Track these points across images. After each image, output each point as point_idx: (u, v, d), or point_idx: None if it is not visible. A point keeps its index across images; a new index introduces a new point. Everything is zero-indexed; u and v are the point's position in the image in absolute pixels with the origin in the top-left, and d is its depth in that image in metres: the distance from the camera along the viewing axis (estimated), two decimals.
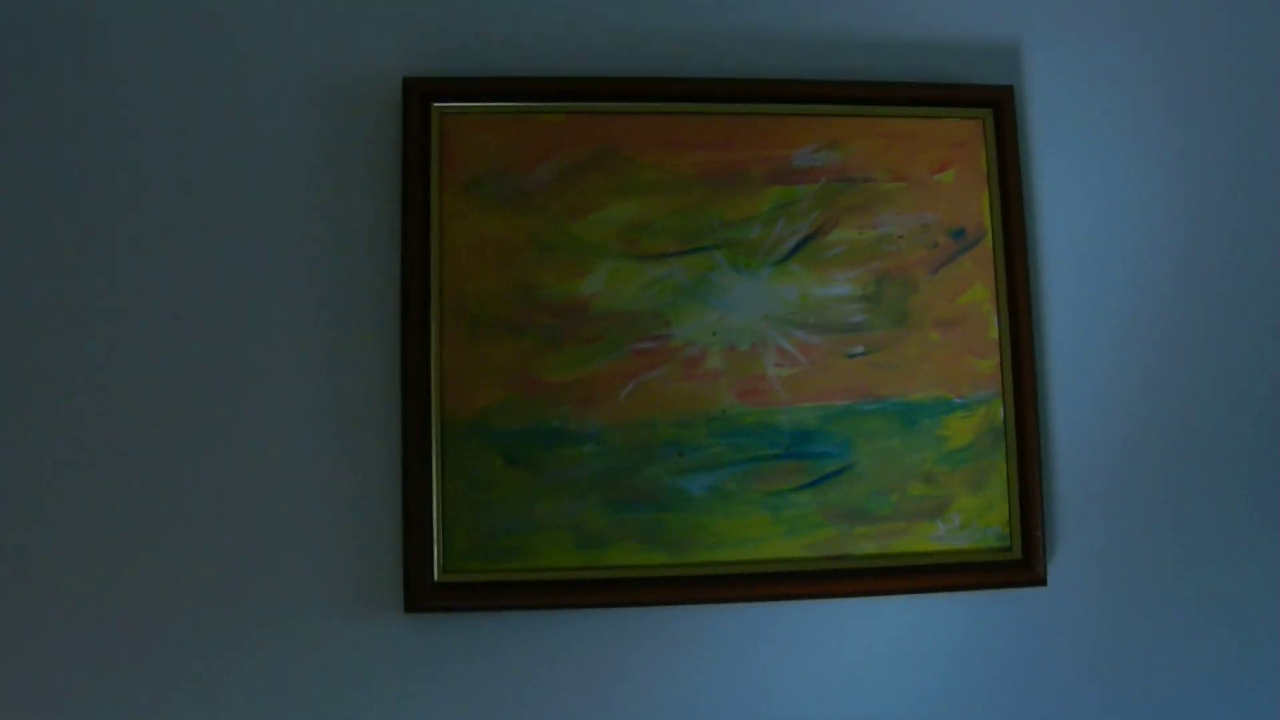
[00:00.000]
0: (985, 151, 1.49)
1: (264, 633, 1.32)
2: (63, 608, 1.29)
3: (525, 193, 1.40)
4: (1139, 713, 1.46)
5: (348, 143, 1.40)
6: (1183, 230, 1.54)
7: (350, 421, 1.36)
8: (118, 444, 1.32)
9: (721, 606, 1.39)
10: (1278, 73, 1.58)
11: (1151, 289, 1.53)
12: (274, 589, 1.33)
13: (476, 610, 1.34)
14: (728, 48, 1.47)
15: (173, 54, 1.39)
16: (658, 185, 1.42)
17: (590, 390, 1.38)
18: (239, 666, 1.31)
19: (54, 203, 1.34)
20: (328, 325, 1.38)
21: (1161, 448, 1.51)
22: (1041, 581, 1.43)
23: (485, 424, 1.36)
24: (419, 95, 1.39)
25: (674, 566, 1.36)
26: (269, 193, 1.38)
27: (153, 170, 1.37)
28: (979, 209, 1.48)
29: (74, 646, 1.29)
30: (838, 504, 1.41)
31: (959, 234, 1.47)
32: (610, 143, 1.42)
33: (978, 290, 1.47)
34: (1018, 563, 1.43)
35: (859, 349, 1.44)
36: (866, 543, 1.41)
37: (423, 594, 1.33)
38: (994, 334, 1.47)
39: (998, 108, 1.49)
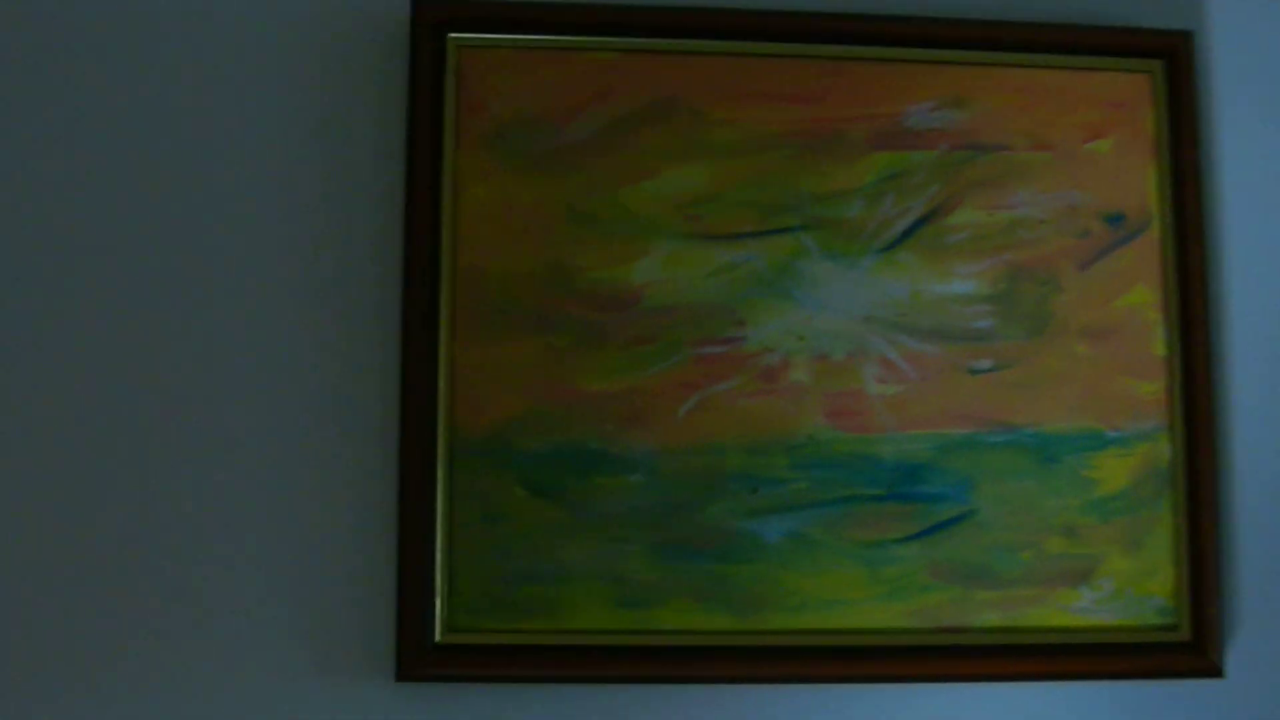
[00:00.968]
0: (1154, 114, 1.42)
1: (224, 699, 1.27)
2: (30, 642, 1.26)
3: (562, 150, 1.35)
4: None
5: (341, 85, 1.37)
6: None
7: (335, 437, 1.31)
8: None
9: (800, 687, 1.34)
10: None
11: None
12: (237, 648, 1.29)
13: (487, 681, 1.28)
14: None
15: None
16: (731, 147, 1.36)
17: (639, 404, 1.32)
18: None
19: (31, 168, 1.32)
20: (310, 315, 1.33)
21: None
22: (1218, 672, 1.35)
23: (504, 442, 1.30)
24: (430, 25, 1.33)
25: (740, 634, 1.31)
26: (244, 151, 1.35)
27: (108, 124, 1.33)
28: (1143, 188, 1.41)
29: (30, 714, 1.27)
30: (953, 561, 1.35)
31: (1117, 220, 1.41)
32: (672, 91, 1.36)
33: (1139, 292, 1.40)
34: (1186, 645, 1.35)
35: (985, 363, 1.38)
36: (989, 612, 1.34)
37: (420, 658, 1.25)
38: (1160, 349, 1.39)
39: (1171, 58, 1.43)
